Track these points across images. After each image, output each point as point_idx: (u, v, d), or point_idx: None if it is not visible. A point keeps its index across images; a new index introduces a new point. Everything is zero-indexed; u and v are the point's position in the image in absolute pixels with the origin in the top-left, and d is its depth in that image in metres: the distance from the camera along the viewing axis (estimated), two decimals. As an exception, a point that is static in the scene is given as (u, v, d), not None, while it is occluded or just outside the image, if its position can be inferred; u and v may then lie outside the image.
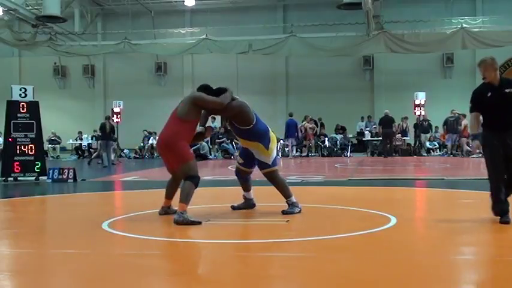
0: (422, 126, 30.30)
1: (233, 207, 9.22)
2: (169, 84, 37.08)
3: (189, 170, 8.14)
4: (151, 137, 32.48)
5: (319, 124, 31.72)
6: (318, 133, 31.22)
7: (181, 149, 8.20)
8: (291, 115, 30.16)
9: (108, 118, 24.96)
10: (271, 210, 9.01)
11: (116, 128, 31.04)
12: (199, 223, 7.84)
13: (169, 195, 8.74)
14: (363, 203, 9.97)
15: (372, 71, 34.56)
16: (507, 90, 7.45)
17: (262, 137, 8.79)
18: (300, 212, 8.68)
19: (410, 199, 11.84)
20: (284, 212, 8.60)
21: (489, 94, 7.53)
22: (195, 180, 8.09)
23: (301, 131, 30.18)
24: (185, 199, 7.94)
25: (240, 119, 8.72)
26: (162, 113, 35.68)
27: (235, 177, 9.25)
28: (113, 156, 24.64)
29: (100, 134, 24.52)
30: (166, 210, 8.74)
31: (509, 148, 7.43)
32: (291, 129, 29.44)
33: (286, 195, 8.80)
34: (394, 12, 31.78)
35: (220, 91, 8.55)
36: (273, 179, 8.81)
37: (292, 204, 8.73)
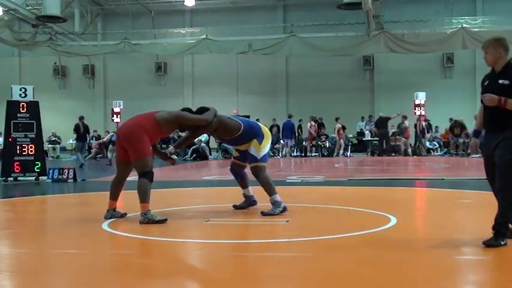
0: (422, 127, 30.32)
1: (235, 207, 9.23)
2: (169, 84, 37.09)
3: (145, 165, 8.32)
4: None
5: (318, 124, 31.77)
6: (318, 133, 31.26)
7: (143, 143, 8.27)
8: (289, 116, 30.22)
9: (81, 119, 24.43)
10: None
11: (116, 128, 31.05)
12: (165, 220, 7.99)
13: (114, 196, 8.76)
14: (363, 203, 9.97)
15: (372, 71, 34.57)
16: (501, 81, 6.24)
17: (255, 135, 8.86)
18: (282, 211, 8.54)
19: (410, 199, 11.83)
20: (264, 214, 8.50)
21: (486, 83, 6.47)
22: (149, 176, 8.32)
23: (310, 132, 30.29)
24: (145, 198, 8.12)
25: (223, 131, 8.86)
26: (162, 113, 35.53)
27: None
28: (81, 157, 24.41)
29: (75, 135, 24.50)
30: (112, 214, 8.58)
31: (494, 155, 6.22)
32: (286, 130, 29.59)
33: (270, 192, 8.71)
34: (394, 12, 31.80)
35: (203, 110, 8.79)
36: (258, 175, 8.75)
37: (274, 204, 8.65)
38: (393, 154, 29.40)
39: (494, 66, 6.41)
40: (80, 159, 23.65)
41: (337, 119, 30.34)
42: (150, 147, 8.50)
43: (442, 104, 31.68)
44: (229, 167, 9.38)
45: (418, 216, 9.54)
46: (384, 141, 29.44)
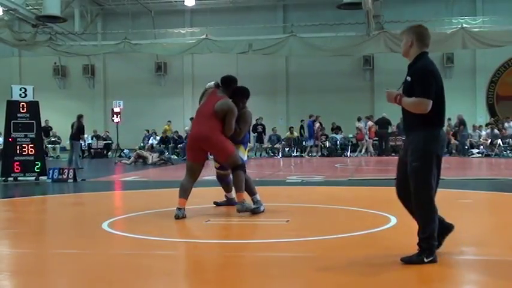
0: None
1: (216, 204, 9.56)
2: (169, 84, 37.07)
3: (236, 160, 8.53)
4: (152, 137, 32.47)
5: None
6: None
7: (222, 142, 8.53)
8: (310, 116, 30.27)
9: (79, 117, 23.10)
10: (271, 210, 9.00)
11: (116, 128, 31.08)
12: (259, 209, 8.55)
13: (187, 195, 8.48)
14: (363, 203, 9.98)
15: (372, 70, 34.55)
16: (407, 78, 5.58)
17: (244, 142, 9.21)
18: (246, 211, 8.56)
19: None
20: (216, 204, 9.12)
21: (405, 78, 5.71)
22: (243, 168, 8.56)
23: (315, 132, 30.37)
24: (241, 188, 8.40)
25: (237, 135, 8.95)
26: (162, 112, 35.89)
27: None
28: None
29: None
30: (183, 213, 8.36)
31: (407, 158, 5.56)
32: (311, 130, 29.86)
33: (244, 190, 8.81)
34: (394, 12, 31.77)
35: (231, 81, 8.98)
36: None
37: (257, 203, 8.83)
38: (393, 154, 29.40)
39: (407, 57, 5.81)
40: (75, 161, 22.13)
41: (359, 119, 30.28)
42: (231, 143, 8.71)
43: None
44: (215, 177, 9.60)
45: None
46: (384, 141, 29.49)
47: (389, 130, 30.08)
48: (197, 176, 8.67)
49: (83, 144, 33.82)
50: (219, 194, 9.84)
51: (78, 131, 22.51)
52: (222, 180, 9.47)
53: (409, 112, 5.50)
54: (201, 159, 8.64)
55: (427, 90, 5.38)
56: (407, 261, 5.38)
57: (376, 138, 30.14)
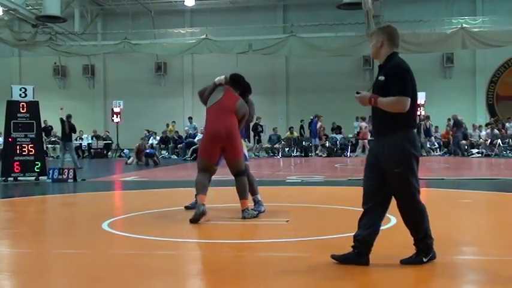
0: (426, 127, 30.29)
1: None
2: (169, 84, 37.07)
3: (242, 165, 8.46)
4: (152, 137, 32.47)
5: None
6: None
7: (239, 143, 8.50)
8: (316, 116, 30.31)
9: (68, 117, 22.19)
10: (271, 210, 9.00)
11: (116, 128, 31.09)
12: (263, 211, 8.55)
13: (206, 191, 8.27)
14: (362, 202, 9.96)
15: (371, 71, 34.51)
16: (380, 78, 5.41)
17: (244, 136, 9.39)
18: (260, 213, 8.48)
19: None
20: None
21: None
22: (245, 174, 8.49)
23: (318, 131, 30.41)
24: (246, 195, 8.36)
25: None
26: (162, 112, 35.85)
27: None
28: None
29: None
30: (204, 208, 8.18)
31: (383, 164, 5.36)
32: (315, 129, 29.98)
33: (253, 192, 8.81)
34: (394, 12, 31.76)
35: (238, 79, 8.93)
36: (248, 173, 8.81)
37: (258, 202, 8.80)
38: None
39: (377, 58, 5.62)
40: (61, 161, 21.41)
41: (363, 118, 30.29)
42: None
43: (442, 104, 31.66)
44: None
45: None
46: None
47: None
48: (213, 173, 8.48)
49: (82, 144, 33.89)
50: (219, 194, 9.84)
51: (70, 132, 22.19)
52: None
53: (382, 115, 5.33)
54: (217, 157, 8.42)
55: (404, 88, 5.25)
56: (407, 262, 5.36)
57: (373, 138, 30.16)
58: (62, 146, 22.51)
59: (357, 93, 5.47)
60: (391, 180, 5.33)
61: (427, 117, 30.17)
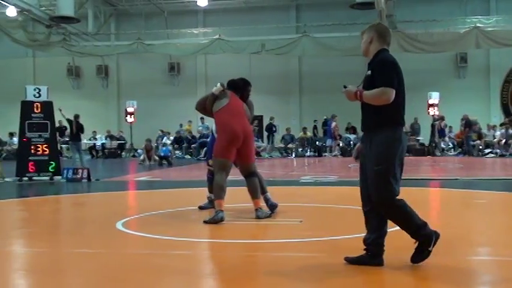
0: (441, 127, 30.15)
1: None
2: (182, 84, 37.12)
3: (254, 166, 8.56)
4: (165, 137, 32.55)
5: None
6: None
7: (253, 145, 8.72)
8: (333, 117, 30.30)
9: (76, 117, 22.08)
10: (285, 210, 9.00)
11: (130, 128, 31.18)
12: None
13: (224, 195, 8.24)
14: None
15: (385, 70, 34.45)
16: (367, 73, 5.47)
17: None
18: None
19: (424, 199, 11.78)
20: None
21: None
22: (256, 175, 8.55)
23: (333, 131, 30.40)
24: (258, 195, 8.43)
25: None
26: (176, 112, 35.89)
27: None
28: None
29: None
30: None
31: (366, 160, 5.37)
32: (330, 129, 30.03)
33: (263, 190, 8.80)
34: (408, 11, 31.67)
35: (235, 84, 8.94)
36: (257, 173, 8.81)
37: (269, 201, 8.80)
38: (406, 154, 29.32)
39: (367, 55, 5.65)
40: (76, 162, 21.03)
41: (333, 117, 30.29)
42: None
43: (455, 104, 31.51)
44: (207, 175, 9.43)
45: (431, 217, 9.50)
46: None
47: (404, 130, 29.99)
48: (228, 174, 8.47)
49: (96, 144, 34.05)
50: (232, 194, 9.83)
51: (78, 132, 22.14)
52: (211, 180, 9.09)
53: (368, 111, 5.30)
54: (233, 158, 8.42)
55: (388, 79, 5.19)
56: (416, 260, 5.26)
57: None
58: (71, 146, 22.54)
59: (344, 87, 5.51)
60: (369, 178, 5.24)
61: (442, 118, 30.02)
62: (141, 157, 26.49)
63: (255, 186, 8.41)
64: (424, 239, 5.24)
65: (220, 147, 8.41)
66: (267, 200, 8.76)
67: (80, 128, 21.92)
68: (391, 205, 5.22)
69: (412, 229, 5.26)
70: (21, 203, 12.21)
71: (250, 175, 8.45)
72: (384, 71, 5.22)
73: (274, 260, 5.88)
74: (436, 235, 5.28)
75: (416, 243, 5.28)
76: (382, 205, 5.23)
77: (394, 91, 5.15)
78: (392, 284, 4.97)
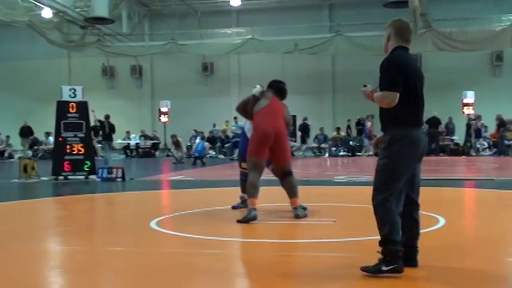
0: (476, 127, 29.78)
1: (233, 207, 9.40)
2: (216, 84, 37.23)
3: (289, 166, 8.58)
4: (198, 137, 32.67)
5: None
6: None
7: (288, 145, 8.74)
8: (368, 116, 30.23)
9: (107, 117, 22.76)
10: (318, 210, 8.98)
11: (164, 128, 31.32)
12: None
13: (258, 194, 8.24)
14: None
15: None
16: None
17: None
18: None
19: (458, 199, 11.67)
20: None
21: None
22: (292, 174, 8.59)
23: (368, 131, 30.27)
24: (296, 193, 8.44)
25: None
26: (209, 112, 35.98)
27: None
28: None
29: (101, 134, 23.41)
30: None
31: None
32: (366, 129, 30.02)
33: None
34: (442, 9, 31.35)
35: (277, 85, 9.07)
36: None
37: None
38: (441, 154, 29.07)
39: (385, 53, 5.41)
40: (107, 160, 22.00)
41: (367, 117, 30.09)
42: None
43: (491, 103, 31.11)
44: (240, 176, 9.44)
45: (467, 217, 9.42)
46: (434, 141, 29.16)
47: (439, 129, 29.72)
48: (262, 173, 8.47)
49: (130, 143, 34.34)
50: (267, 193, 9.83)
51: (110, 131, 22.38)
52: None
53: (382, 111, 5.26)
54: (266, 157, 8.41)
55: (390, 82, 5.09)
56: (365, 269, 5.04)
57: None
58: (105, 146, 22.75)
59: (364, 86, 5.45)
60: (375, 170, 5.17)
61: (479, 117, 29.62)
62: (175, 154, 26.65)
63: (292, 185, 8.43)
64: (385, 255, 5.00)
65: (253, 147, 8.48)
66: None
67: (112, 128, 22.15)
68: (381, 203, 5.06)
69: (382, 238, 5.06)
70: (57, 202, 12.36)
71: (285, 175, 8.45)
72: (386, 73, 5.14)
73: (308, 260, 5.87)
74: (399, 268, 4.96)
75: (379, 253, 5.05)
76: (373, 200, 5.12)
77: (396, 94, 5.06)
78: (426, 284, 4.92)
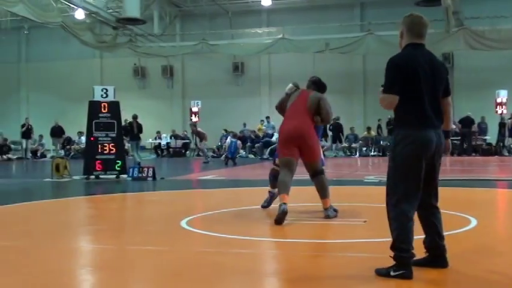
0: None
1: (263, 206, 9.36)
2: (246, 83, 37.28)
3: (318, 165, 8.49)
4: (229, 136, 32.73)
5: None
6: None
7: (316, 143, 8.60)
8: None
9: (135, 118, 22.63)
10: (349, 210, 8.94)
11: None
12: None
13: (288, 190, 8.16)
14: (441, 203, 9.74)
15: (451, 68, 33.81)
16: None
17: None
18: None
19: (490, 200, 11.55)
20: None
21: None
22: (323, 173, 8.51)
23: None
24: (327, 194, 8.35)
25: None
26: (240, 112, 36.13)
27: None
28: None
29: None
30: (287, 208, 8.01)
31: None
32: None
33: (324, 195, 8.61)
34: (474, 8, 31.01)
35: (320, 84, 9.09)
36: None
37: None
38: (473, 154, 28.78)
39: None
40: (137, 158, 21.92)
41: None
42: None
43: (525, 102, 30.73)
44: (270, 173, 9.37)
45: (499, 218, 9.31)
46: (466, 141, 28.88)
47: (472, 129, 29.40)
48: (294, 171, 8.39)
49: (161, 143, 34.51)
50: (297, 193, 9.81)
51: (138, 132, 22.47)
52: (275, 177, 8.96)
53: (394, 112, 5.15)
54: (297, 155, 8.35)
55: (387, 84, 5.05)
56: (378, 271, 5.03)
57: (458, 138, 29.43)
58: (133, 146, 22.87)
59: (381, 86, 5.28)
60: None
61: None
62: (201, 148, 26.71)
63: (323, 185, 8.37)
64: (395, 260, 4.95)
65: (280, 145, 8.62)
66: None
67: (139, 128, 22.30)
68: (391, 208, 5.07)
69: (392, 242, 5.01)
70: (89, 201, 12.47)
71: (315, 174, 8.42)
72: (386, 74, 5.07)
73: (338, 260, 5.85)
74: (407, 274, 4.87)
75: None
76: (386, 204, 5.15)
77: (393, 96, 5.01)
78: (455, 285, 4.87)
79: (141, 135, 22.90)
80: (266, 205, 9.34)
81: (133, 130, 22.10)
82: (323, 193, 8.36)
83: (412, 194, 4.97)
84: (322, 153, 9.08)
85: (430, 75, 5.00)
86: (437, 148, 5.01)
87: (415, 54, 5.07)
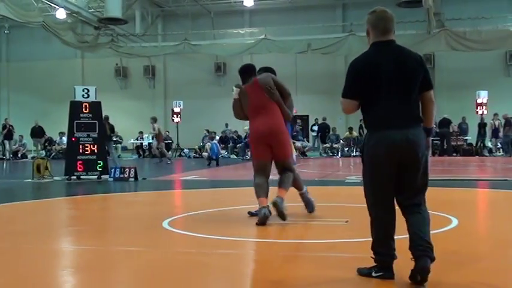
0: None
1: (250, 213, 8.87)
2: (228, 84, 37.15)
3: (289, 163, 8.29)
4: (210, 141, 32.65)
5: None
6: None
7: (288, 140, 8.39)
8: None
9: (106, 119, 21.54)
10: (330, 210, 8.96)
11: (176, 128, 31.39)
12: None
13: (266, 193, 8.07)
14: (424, 203, 9.83)
15: (432, 69, 34.04)
16: None
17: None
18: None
19: (471, 200, 11.62)
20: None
21: None
22: (293, 171, 8.28)
23: None
24: (287, 186, 8.09)
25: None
26: (222, 113, 36.14)
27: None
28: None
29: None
30: (269, 210, 7.89)
31: None
32: None
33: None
34: (455, 9, 31.25)
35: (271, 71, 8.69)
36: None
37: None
38: (454, 154, 28.96)
39: None
40: (113, 160, 21.45)
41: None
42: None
43: (504, 103, 30.97)
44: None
45: (480, 218, 9.37)
46: (445, 140, 29.08)
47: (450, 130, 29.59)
48: (269, 173, 8.24)
49: (143, 143, 34.41)
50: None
51: (110, 132, 22.29)
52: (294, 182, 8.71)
53: None
54: (270, 156, 8.16)
55: (344, 89, 5.00)
56: (360, 271, 5.04)
57: (438, 138, 29.63)
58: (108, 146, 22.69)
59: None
60: None
61: (496, 115, 29.24)
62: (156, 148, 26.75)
63: (286, 178, 8.13)
64: (376, 262, 4.94)
65: (252, 147, 8.47)
66: (303, 197, 8.65)
67: (112, 129, 22.18)
68: (368, 210, 5.10)
69: (373, 246, 5.00)
70: (70, 202, 12.40)
71: (284, 171, 8.23)
72: (345, 78, 4.99)
73: (319, 260, 5.86)
74: (388, 275, 4.85)
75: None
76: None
77: (347, 100, 5.00)
78: (439, 284, 4.90)
79: (115, 136, 22.70)
80: (254, 213, 9.13)
81: (106, 131, 21.88)
82: (282, 184, 8.10)
83: (380, 196, 4.94)
84: (294, 151, 8.90)
85: (395, 74, 4.79)
86: (406, 148, 4.77)
87: (377, 54, 4.94)
